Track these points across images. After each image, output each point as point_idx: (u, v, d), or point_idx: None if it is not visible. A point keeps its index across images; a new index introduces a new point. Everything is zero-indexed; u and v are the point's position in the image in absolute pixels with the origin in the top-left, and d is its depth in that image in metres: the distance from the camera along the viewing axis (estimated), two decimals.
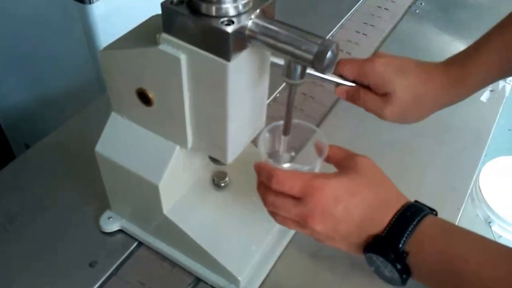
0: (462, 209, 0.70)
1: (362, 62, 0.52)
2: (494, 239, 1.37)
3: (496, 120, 0.87)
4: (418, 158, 0.78)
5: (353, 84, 0.53)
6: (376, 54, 0.53)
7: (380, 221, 0.45)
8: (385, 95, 0.51)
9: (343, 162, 0.49)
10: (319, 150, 0.51)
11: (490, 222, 1.33)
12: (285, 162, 0.55)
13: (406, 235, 0.43)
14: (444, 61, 0.54)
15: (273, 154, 0.53)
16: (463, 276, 0.41)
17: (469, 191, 0.74)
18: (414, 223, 0.43)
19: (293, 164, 0.55)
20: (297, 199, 0.45)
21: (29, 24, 0.98)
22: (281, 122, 0.51)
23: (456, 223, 0.69)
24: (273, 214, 0.49)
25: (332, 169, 0.50)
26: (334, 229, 0.45)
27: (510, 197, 1.34)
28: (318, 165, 0.50)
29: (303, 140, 0.55)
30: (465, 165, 0.79)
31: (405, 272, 0.44)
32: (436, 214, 0.46)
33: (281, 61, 0.48)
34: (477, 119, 0.87)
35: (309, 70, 0.49)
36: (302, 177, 0.45)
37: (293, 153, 0.56)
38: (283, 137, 0.51)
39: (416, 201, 0.47)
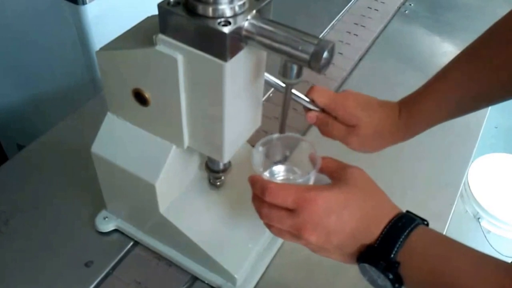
0: (454, 205, 0.72)
1: (335, 95, 0.57)
2: (483, 235, 1.38)
3: (486, 118, 0.88)
4: (410, 155, 0.80)
5: (318, 109, 0.58)
6: (347, 91, 0.58)
7: (373, 232, 0.45)
8: (350, 127, 0.57)
9: (336, 173, 0.50)
10: (313, 162, 0.52)
11: (479, 218, 1.35)
12: (279, 174, 0.55)
13: (397, 245, 0.44)
14: (400, 101, 0.60)
15: (267, 167, 0.54)
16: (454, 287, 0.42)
17: (460, 187, 0.75)
18: (405, 233, 0.44)
19: (287, 174, 0.56)
20: (290, 211, 0.46)
21: (22, 25, 0.97)
22: (275, 136, 0.52)
23: (448, 219, 0.70)
24: (269, 226, 0.50)
25: None
26: (327, 240, 0.46)
27: (498, 193, 1.37)
28: (312, 177, 0.51)
29: (294, 150, 0.56)
30: (456, 162, 0.80)
31: (397, 282, 0.44)
32: (427, 225, 0.47)
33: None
34: (467, 117, 0.89)
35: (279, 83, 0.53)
36: (295, 189, 0.46)
37: (287, 153, 0.57)
38: (276, 135, 0.52)
39: (407, 211, 0.48)
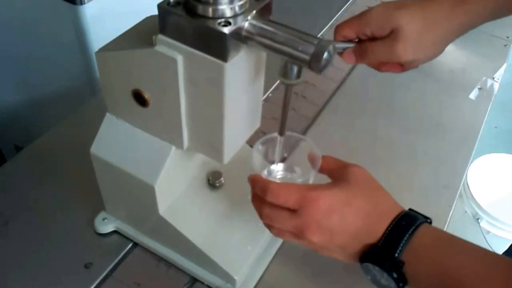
0: (453, 206, 0.72)
1: (359, 15, 0.51)
2: (482, 235, 1.38)
3: (486, 118, 0.88)
4: (409, 156, 0.79)
5: (351, 45, 0.52)
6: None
7: (376, 231, 0.45)
8: (391, 34, 0.49)
9: (336, 173, 0.49)
10: (312, 161, 0.51)
11: (478, 219, 1.35)
12: (278, 173, 0.55)
13: (402, 244, 0.43)
14: None
15: (267, 166, 0.54)
16: (459, 287, 0.41)
17: (460, 188, 0.75)
18: (410, 232, 0.44)
19: (286, 173, 0.56)
20: (292, 211, 0.46)
21: (20, 25, 0.97)
22: (274, 135, 0.52)
23: (448, 220, 0.70)
24: (269, 226, 0.49)
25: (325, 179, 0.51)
26: (330, 240, 0.45)
27: (497, 194, 1.37)
28: (312, 176, 0.51)
29: (294, 150, 0.55)
30: (455, 162, 0.80)
31: (402, 281, 0.44)
32: (430, 222, 0.47)
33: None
34: (467, 117, 0.89)
35: None
36: (297, 189, 0.45)
37: (285, 154, 0.57)
38: (278, 138, 0.52)
39: (410, 209, 0.48)
